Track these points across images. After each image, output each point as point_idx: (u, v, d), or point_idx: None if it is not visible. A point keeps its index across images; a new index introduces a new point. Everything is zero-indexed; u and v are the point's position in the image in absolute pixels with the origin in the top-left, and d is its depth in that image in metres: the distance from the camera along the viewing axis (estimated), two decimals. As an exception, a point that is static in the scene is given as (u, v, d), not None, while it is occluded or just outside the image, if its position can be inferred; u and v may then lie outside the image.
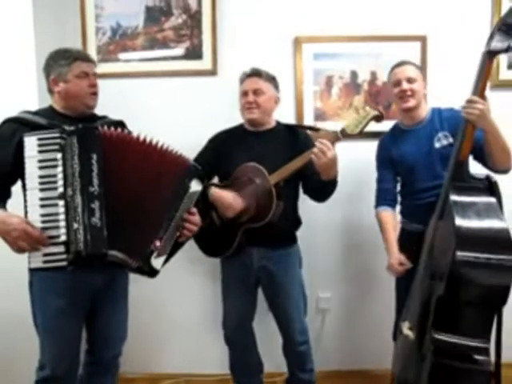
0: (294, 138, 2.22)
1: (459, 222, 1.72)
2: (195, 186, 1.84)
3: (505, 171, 1.95)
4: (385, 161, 2.22)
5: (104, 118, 1.99)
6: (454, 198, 1.79)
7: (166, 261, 1.84)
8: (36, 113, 1.88)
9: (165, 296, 2.69)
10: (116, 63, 2.58)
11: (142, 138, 1.78)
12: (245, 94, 2.19)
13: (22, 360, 2.26)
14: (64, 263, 1.65)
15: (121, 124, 2.00)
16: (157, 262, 1.78)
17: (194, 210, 1.87)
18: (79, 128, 1.72)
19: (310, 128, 2.33)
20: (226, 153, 2.22)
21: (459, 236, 1.71)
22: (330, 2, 2.57)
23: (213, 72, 2.57)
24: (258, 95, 2.17)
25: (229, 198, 2.12)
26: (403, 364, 2.05)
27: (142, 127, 1.86)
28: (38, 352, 1.90)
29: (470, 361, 1.73)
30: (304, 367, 2.29)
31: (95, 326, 1.96)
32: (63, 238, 1.65)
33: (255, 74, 2.20)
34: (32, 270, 1.79)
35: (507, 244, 1.69)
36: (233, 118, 2.50)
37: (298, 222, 2.27)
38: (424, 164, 2.10)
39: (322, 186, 2.08)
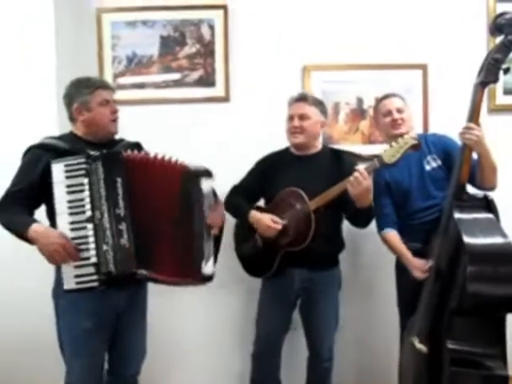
0: (339, 163, 2.25)
1: (467, 239, 1.85)
2: (207, 185, 1.86)
3: (491, 189, 2.10)
4: (381, 187, 2.29)
5: (121, 140, 2.06)
6: (457, 216, 1.93)
7: (215, 260, 1.90)
8: (59, 138, 1.94)
9: (177, 316, 2.73)
10: (131, 90, 2.67)
11: (159, 156, 1.84)
12: (291, 118, 2.24)
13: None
14: (95, 284, 1.72)
15: (137, 146, 2.06)
16: (207, 267, 1.81)
17: (214, 204, 1.90)
18: (103, 153, 1.79)
19: (352, 154, 2.37)
20: (271, 176, 2.29)
21: (468, 252, 1.83)
22: (337, 33, 2.71)
23: (225, 99, 2.68)
24: (303, 120, 2.22)
25: (267, 220, 2.18)
26: (416, 378, 2.11)
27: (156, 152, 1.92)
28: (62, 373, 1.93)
29: (484, 367, 1.84)
30: (325, 383, 2.35)
31: (118, 345, 2.00)
32: (93, 259, 1.72)
33: (302, 98, 2.26)
34: (58, 293, 1.85)
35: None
36: (244, 142, 2.63)
37: (341, 245, 2.33)
38: (417, 186, 2.23)
39: (358, 213, 2.13)
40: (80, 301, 1.81)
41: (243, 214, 2.28)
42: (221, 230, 1.96)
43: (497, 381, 1.85)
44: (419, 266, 2.12)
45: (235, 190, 2.38)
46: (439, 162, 2.22)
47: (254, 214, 2.24)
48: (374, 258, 2.73)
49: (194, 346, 2.77)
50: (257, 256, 2.30)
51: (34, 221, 1.78)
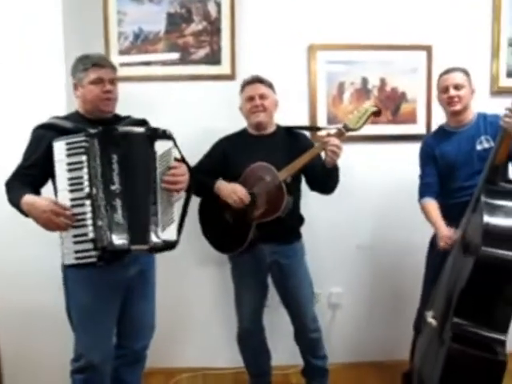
0: (295, 139, 2.36)
1: (487, 219, 1.82)
2: (162, 147, 1.84)
3: None
4: (428, 158, 2.33)
5: (127, 117, 2.05)
6: (485, 199, 1.90)
7: (180, 227, 1.90)
8: (64, 117, 1.96)
9: (181, 290, 2.78)
10: (137, 67, 2.67)
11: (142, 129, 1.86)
12: (251, 98, 2.30)
13: (53, 353, 2.35)
14: (94, 259, 1.75)
15: (144, 122, 2.06)
16: (168, 233, 1.84)
17: (174, 163, 1.88)
18: (99, 130, 1.80)
19: (311, 128, 2.46)
20: (232, 156, 2.33)
21: (486, 232, 1.80)
22: (343, 13, 2.71)
23: (231, 76, 2.68)
24: (263, 99, 2.29)
25: (232, 186, 2.22)
26: (423, 354, 2.14)
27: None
28: (68, 344, 1.99)
29: (489, 351, 1.83)
30: (317, 353, 2.41)
31: (127, 318, 2.03)
32: (91, 235, 1.75)
33: (257, 80, 2.33)
34: (65, 267, 1.87)
35: None
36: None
37: (301, 219, 2.39)
38: (464, 163, 2.22)
39: (327, 175, 2.21)
40: (88, 275, 1.84)
41: (209, 186, 2.27)
42: (188, 193, 1.95)
43: (499, 365, 1.83)
44: (446, 235, 2.13)
45: (196, 171, 2.29)
46: (492, 144, 2.15)
47: (220, 183, 2.26)
48: (381, 236, 2.81)
49: (193, 323, 2.82)
50: (228, 232, 2.30)
51: (25, 193, 1.77)
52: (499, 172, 1.97)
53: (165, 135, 1.86)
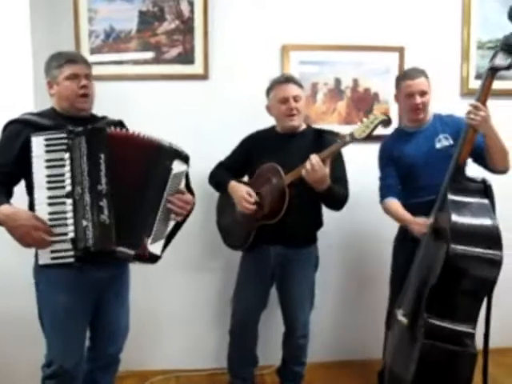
0: (321, 142, 2.23)
1: (455, 218, 1.86)
2: (178, 167, 1.87)
3: (503, 171, 2.12)
4: (387, 160, 2.34)
5: (104, 118, 2.03)
6: (451, 197, 1.94)
7: (166, 245, 1.91)
8: (39, 114, 1.90)
9: (153, 294, 2.74)
10: (109, 66, 2.62)
11: (141, 134, 1.85)
12: (285, 100, 2.21)
13: (23, 359, 2.31)
14: (71, 259, 1.72)
15: (120, 124, 2.05)
16: (155, 247, 1.84)
17: (183, 189, 1.92)
18: (88, 129, 1.77)
19: (333, 133, 2.34)
20: (256, 154, 2.30)
21: (454, 230, 1.85)
22: (316, 14, 2.72)
23: (204, 76, 2.66)
24: (297, 101, 2.22)
25: (242, 192, 2.20)
26: (394, 351, 2.16)
27: (133, 129, 1.90)
28: (40, 350, 1.93)
29: (460, 344, 1.87)
30: (299, 360, 2.40)
31: (101, 321, 2.00)
32: (71, 235, 1.71)
33: (291, 80, 2.25)
34: (38, 269, 1.82)
35: (496, 240, 1.85)
36: (222, 120, 2.63)
37: (318, 224, 2.34)
38: (424, 163, 2.23)
39: (325, 196, 2.13)
40: (60, 278, 1.80)
41: (224, 184, 2.30)
42: (183, 219, 1.95)
43: (469, 357, 1.88)
44: (419, 222, 2.13)
45: (220, 166, 2.41)
46: (451, 142, 2.19)
47: (233, 185, 2.27)
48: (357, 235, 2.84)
49: (166, 325, 2.80)
50: (235, 229, 2.33)
51: (3, 202, 1.72)
52: (462, 171, 2.00)
53: (185, 159, 1.90)
